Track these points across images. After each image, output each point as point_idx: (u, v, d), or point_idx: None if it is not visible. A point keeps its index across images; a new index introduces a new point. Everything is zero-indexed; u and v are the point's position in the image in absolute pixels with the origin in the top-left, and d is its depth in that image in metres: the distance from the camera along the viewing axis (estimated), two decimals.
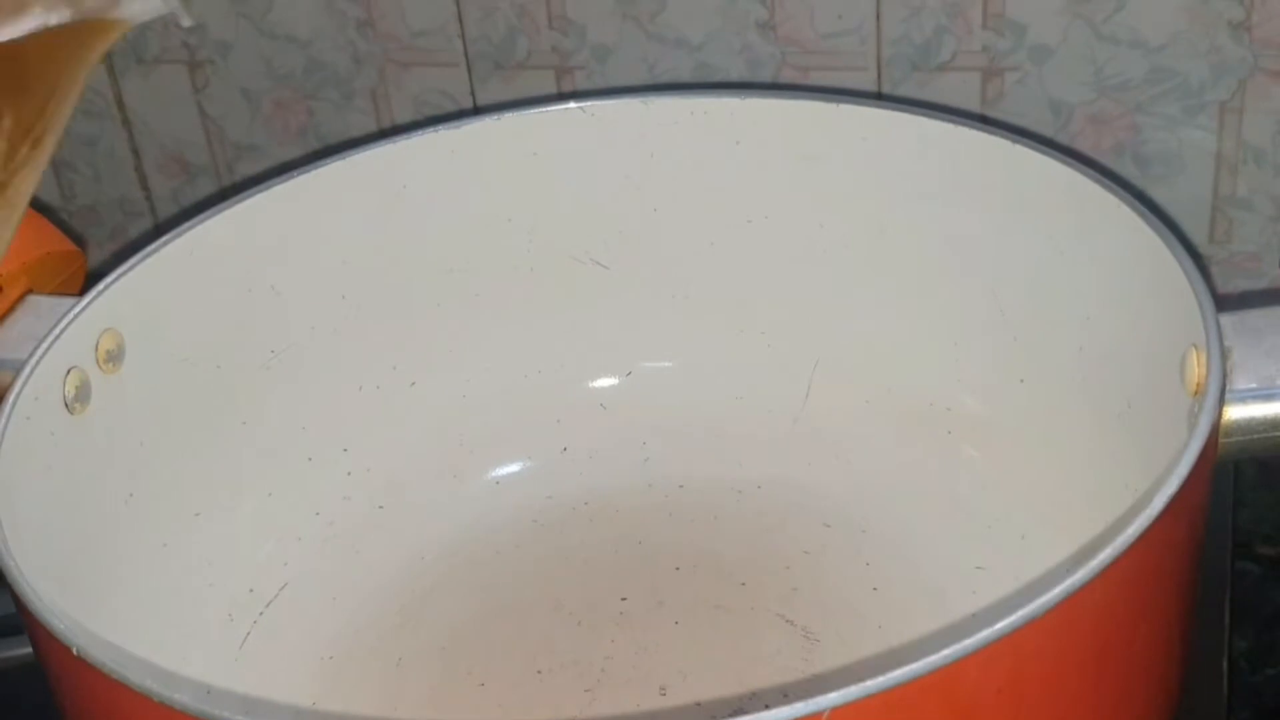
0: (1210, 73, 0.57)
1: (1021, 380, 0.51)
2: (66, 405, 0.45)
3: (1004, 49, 0.58)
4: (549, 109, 0.54)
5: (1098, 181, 0.46)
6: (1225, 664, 0.49)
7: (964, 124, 0.50)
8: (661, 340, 0.56)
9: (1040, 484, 0.50)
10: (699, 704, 0.46)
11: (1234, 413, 0.38)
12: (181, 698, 0.31)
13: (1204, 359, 0.39)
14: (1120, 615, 0.33)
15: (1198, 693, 0.43)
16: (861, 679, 0.30)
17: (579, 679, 0.47)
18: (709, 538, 0.52)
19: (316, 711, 0.46)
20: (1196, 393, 0.39)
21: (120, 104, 0.67)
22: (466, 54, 0.63)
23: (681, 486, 0.54)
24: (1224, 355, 0.38)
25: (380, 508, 0.54)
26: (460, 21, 0.62)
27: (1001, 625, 0.31)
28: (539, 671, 0.48)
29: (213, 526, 0.50)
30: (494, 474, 0.55)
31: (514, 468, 0.55)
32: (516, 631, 0.49)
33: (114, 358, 0.47)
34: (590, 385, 0.56)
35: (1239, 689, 0.48)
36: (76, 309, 0.45)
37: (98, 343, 0.46)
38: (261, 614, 0.50)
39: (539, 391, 0.56)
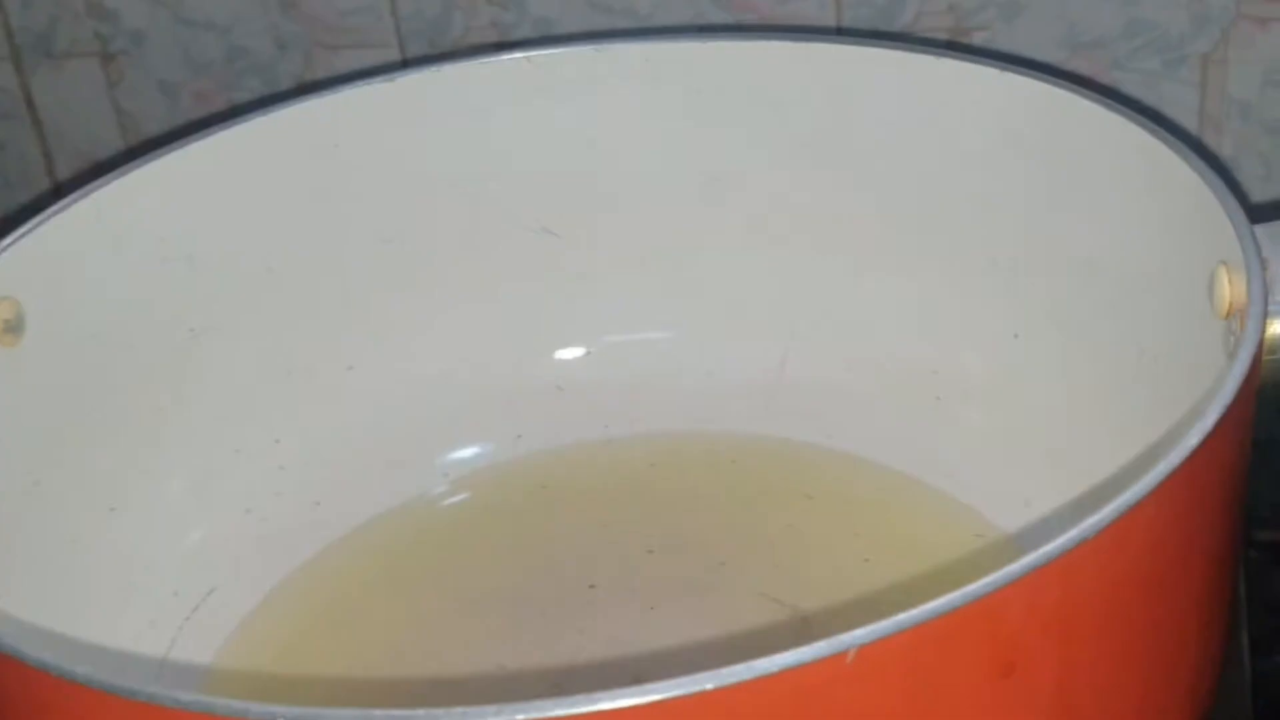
0: (1191, 23, 0.54)
1: (1016, 335, 0.47)
2: None
3: (971, 7, 0.55)
4: (491, 60, 0.50)
5: (1096, 101, 0.42)
6: (1245, 639, 0.45)
7: (947, 55, 0.46)
8: (621, 313, 0.52)
9: (1043, 448, 0.46)
10: None
11: (1276, 327, 0.35)
12: (85, 670, 0.26)
13: (1239, 275, 0.35)
14: (1174, 539, 0.29)
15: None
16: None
17: (546, 672, 0.43)
18: (682, 517, 0.48)
19: (229, 670, 0.42)
20: (1229, 314, 0.36)
21: (30, 103, 0.63)
22: (399, 33, 0.59)
23: (650, 465, 0.50)
24: (1263, 265, 0.35)
25: (317, 504, 0.49)
26: None
27: (1051, 548, 0.26)
28: (502, 666, 0.43)
29: (130, 522, 0.46)
30: (441, 464, 0.51)
31: (463, 455, 0.51)
32: (475, 626, 0.45)
33: (13, 328, 0.42)
34: (545, 365, 0.52)
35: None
36: None
37: None
38: (187, 619, 0.46)
39: (488, 373, 0.52)
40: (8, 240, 0.42)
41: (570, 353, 0.52)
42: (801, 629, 0.43)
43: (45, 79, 0.62)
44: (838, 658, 0.25)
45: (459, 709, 0.25)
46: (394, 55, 0.60)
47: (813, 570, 0.45)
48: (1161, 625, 0.30)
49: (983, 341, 0.48)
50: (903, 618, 0.25)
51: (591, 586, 0.46)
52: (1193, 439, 0.29)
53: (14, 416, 0.42)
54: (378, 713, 0.25)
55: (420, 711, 0.25)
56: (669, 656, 0.43)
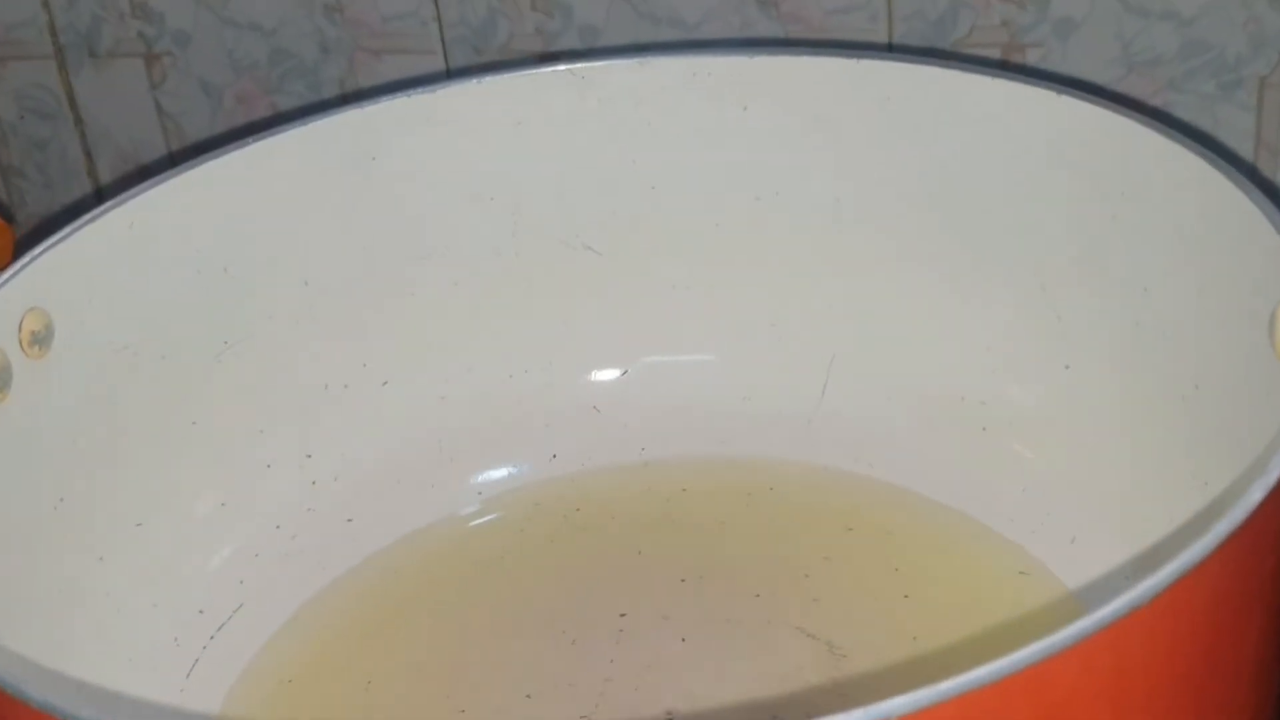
0: (1248, 45, 0.53)
1: (1067, 366, 0.46)
2: None
3: (1025, 23, 0.54)
4: (535, 71, 0.49)
5: (1156, 129, 0.41)
6: None
7: (1003, 76, 0.45)
8: (660, 334, 0.51)
9: (1091, 482, 0.45)
10: None
11: None
12: (88, 713, 0.25)
13: None
14: (1232, 601, 0.28)
15: None
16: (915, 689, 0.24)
17: (574, 703, 0.42)
18: (717, 546, 0.47)
19: (251, 691, 0.41)
20: None
21: (72, 102, 0.63)
22: (443, 39, 0.58)
23: (684, 491, 0.49)
24: None
25: (348, 520, 0.49)
26: (436, 4, 0.58)
27: (1104, 612, 0.25)
28: (528, 696, 0.42)
29: (157, 539, 0.45)
30: (475, 483, 0.50)
31: (497, 475, 0.50)
32: (502, 652, 0.44)
33: (40, 340, 0.41)
34: (581, 385, 0.51)
35: None
36: None
37: (21, 323, 0.41)
38: (213, 638, 0.45)
39: (525, 392, 0.51)
40: (38, 249, 0.42)
41: (607, 373, 0.51)
42: (837, 667, 0.41)
43: (88, 79, 0.62)
44: None
45: None
46: (438, 61, 0.59)
47: (850, 605, 0.44)
48: (1214, 691, 0.28)
49: (1032, 372, 0.47)
50: (947, 686, 0.24)
51: (622, 615, 0.44)
52: (1255, 494, 0.27)
53: (40, 431, 0.41)
54: None
55: None
56: (701, 690, 0.42)
